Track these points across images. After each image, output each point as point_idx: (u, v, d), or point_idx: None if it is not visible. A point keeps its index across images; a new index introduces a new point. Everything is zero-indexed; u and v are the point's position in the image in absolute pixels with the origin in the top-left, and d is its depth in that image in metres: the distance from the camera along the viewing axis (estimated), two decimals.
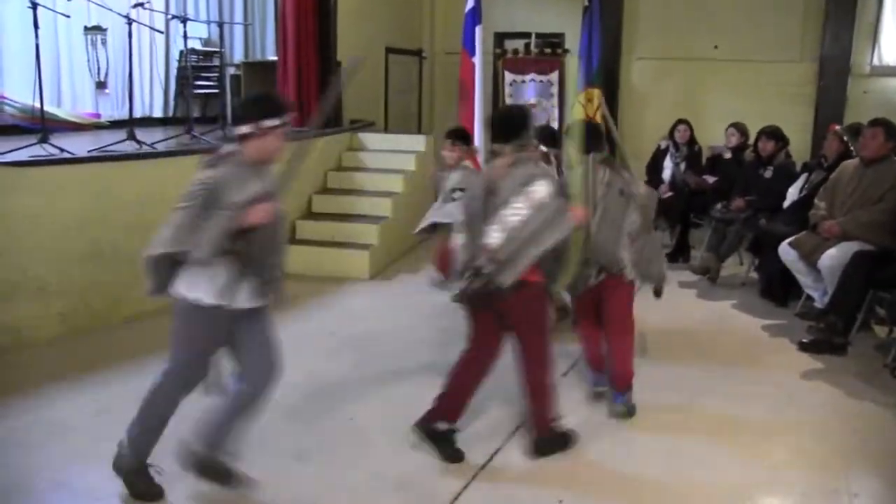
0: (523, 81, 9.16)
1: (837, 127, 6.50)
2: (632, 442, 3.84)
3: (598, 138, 4.05)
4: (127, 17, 6.16)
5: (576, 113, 8.83)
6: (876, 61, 8.65)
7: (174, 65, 8.53)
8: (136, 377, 4.33)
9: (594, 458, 3.67)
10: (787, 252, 5.64)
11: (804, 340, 5.18)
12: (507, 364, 3.63)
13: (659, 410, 4.20)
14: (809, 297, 5.72)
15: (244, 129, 3.00)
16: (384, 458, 3.62)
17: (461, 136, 5.12)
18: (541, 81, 9.10)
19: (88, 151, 5.41)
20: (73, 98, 7.54)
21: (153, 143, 5.87)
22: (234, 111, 3.21)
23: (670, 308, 5.96)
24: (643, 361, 4.46)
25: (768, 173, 6.67)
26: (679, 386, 4.63)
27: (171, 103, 8.55)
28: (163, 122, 8.27)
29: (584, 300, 4.14)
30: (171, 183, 5.49)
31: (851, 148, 6.01)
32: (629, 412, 4.06)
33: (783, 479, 3.53)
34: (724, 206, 6.89)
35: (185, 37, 6.68)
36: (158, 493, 3.21)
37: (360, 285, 6.52)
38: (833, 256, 5.25)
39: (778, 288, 6.09)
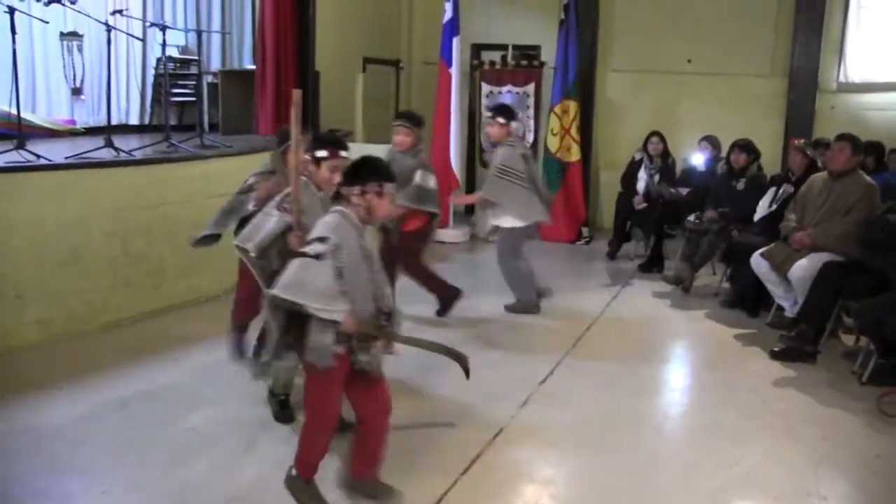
0: (500, 93, 9.27)
1: (797, 141, 6.62)
2: (607, 447, 3.89)
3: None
4: (106, 23, 6.14)
5: (552, 125, 8.98)
6: (842, 78, 8.84)
7: (151, 72, 8.50)
8: (115, 385, 4.36)
9: (568, 463, 3.72)
10: (758, 262, 5.76)
11: (776, 349, 5.29)
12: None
13: (634, 417, 4.27)
14: (780, 307, 5.85)
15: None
16: None
17: (409, 118, 5.30)
18: (517, 93, 9.21)
19: (66, 158, 5.37)
20: (48, 104, 7.47)
21: (131, 151, 5.85)
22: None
23: (645, 317, 6.08)
24: (615, 368, 4.51)
25: (741, 185, 6.80)
26: (654, 393, 4.74)
27: (148, 111, 8.50)
28: (139, 129, 8.21)
29: None
30: (150, 190, 5.53)
31: (817, 160, 6.17)
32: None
33: (757, 482, 3.60)
34: (697, 217, 7.00)
35: (164, 44, 6.66)
36: None
37: None
38: (803, 267, 5.38)
39: (750, 298, 6.20)
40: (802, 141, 6.63)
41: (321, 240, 2.96)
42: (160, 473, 3.45)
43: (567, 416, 4.22)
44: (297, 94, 3.28)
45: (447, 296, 5.67)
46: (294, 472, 3.20)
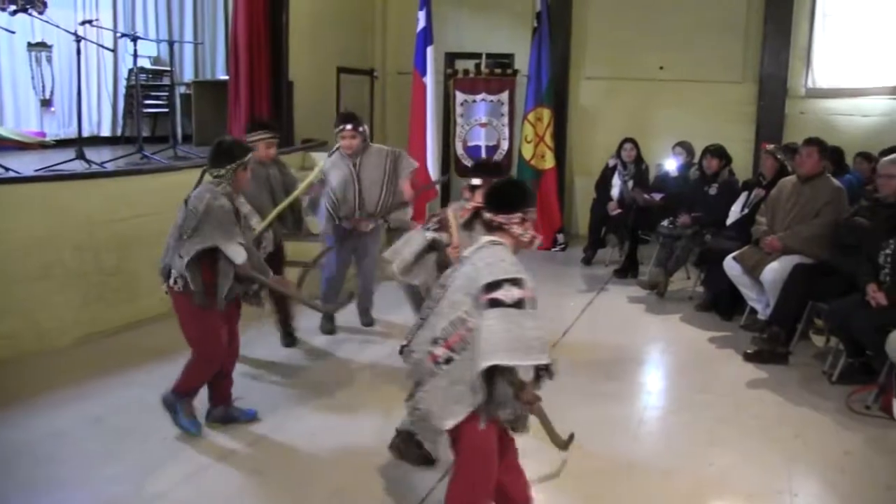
0: (474, 101, 9.28)
1: (769, 146, 6.72)
2: (584, 451, 3.89)
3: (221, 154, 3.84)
4: (75, 34, 6.09)
5: (526, 133, 9.03)
6: (810, 84, 8.98)
7: (123, 83, 8.44)
8: (87, 400, 4.31)
9: (546, 468, 3.73)
10: (731, 266, 5.84)
11: (749, 351, 5.36)
12: None
13: (610, 421, 4.30)
14: (753, 310, 5.92)
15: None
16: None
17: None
18: (491, 101, 9.23)
19: (36, 170, 5.33)
20: (16, 116, 7.41)
21: (103, 163, 5.81)
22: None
23: (620, 322, 6.12)
24: (591, 373, 4.54)
25: (713, 190, 6.88)
26: (630, 396, 4.77)
27: (120, 122, 8.44)
28: (111, 141, 8.16)
29: None
30: (123, 203, 5.49)
31: (787, 165, 6.25)
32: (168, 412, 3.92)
33: (731, 482, 3.65)
34: (671, 222, 7.08)
35: (136, 55, 6.62)
36: None
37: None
38: (775, 270, 5.46)
39: (724, 301, 6.27)
40: (773, 145, 6.72)
41: (515, 282, 2.62)
42: (134, 487, 3.43)
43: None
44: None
45: None
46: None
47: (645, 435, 4.23)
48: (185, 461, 3.67)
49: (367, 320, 5.83)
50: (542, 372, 2.74)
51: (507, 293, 2.57)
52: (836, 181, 5.68)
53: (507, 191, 2.89)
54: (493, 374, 2.60)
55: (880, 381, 4.48)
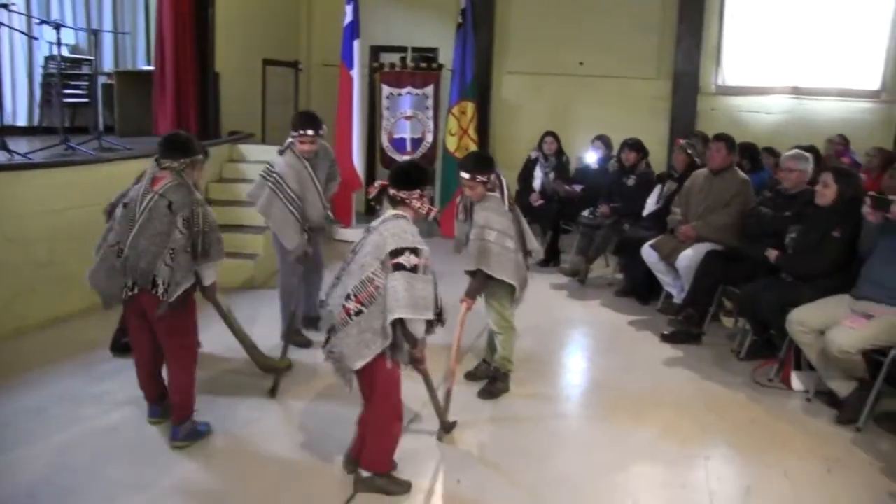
0: (400, 94, 9.41)
1: (682, 141, 7.10)
2: (515, 428, 4.15)
3: (177, 146, 3.74)
4: None
5: (450, 125, 9.23)
6: (720, 81, 9.49)
7: (39, 72, 8.22)
8: (28, 391, 4.30)
9: (470, 446, 3.95)
10: (648, 253, 6.18)
11: (665, 332, 5.73)
12: None
13: (534, 400, 4.55)
14: (669, 295, 6.28)
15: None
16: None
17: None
18: (417, 94, 9.38)
19: None
20: None
21: (27, 154, 5.70)
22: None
23: (543, 308, 6.39)
24: (517, 356, 4.76)
25: (631, 181, 7.23)
26: (554, 376, 5.05)
27: (37, 112, 8.22)
28: (28, 131, 7.94)
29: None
30: (52, 195, 5.42)
31: (696, 159, 6.64)
32: (189, 443, 3.80)
33: (652, 451, 3.95)
34: (591, 212, 7.40)
35: (60, 43, 6.47)
36: None
37: (246, 295, 6.54)
38: (689, 256, 5.82)
39: (642, 287, 6.62)
40: (685, 141, 7.10)
41: (414, 251, 3.17)
42: (88, 474, 3.47)
43: (468, 401, 4.43)
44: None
45: None
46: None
47: (569, 412, 4.51)
48: (137, 449, 3.74)
49: (306, 340, 5.26)
50: (430, 325, 3.35)
51: (408, 259, 3.14)
52: (742, 174, 6.08)
53: (408, 171, 3.43)
54: (394, 324, 3.16)
55: (780, 356, 4.91)
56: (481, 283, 4.30)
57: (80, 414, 4.06)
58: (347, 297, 3.18)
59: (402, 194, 3.31)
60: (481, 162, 4.38)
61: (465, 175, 4.29)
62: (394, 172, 3.42)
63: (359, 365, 3.17)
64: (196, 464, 3.63)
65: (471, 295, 4.29)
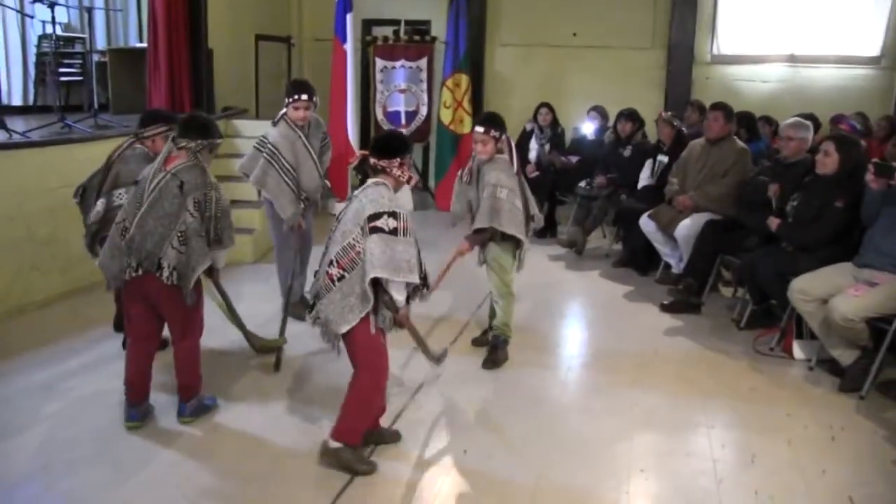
0: (394, 67, 9.37)
1: (665, 113, 7.07)
2: (519, 398, 4.19)
3: (197, 127, 3.68)
4: None
5: (444, 98, 9.20)
6: (715, 50, 9.46)
7: (33, 51, 8.16)
8: (33, 368, 4.34)
9: (479, 414, 4.00)
10: (646, 224, 6.21)
11: (665, 302, 5.76)
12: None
13: (538, 370, 4.59)
14: (667, 265, 6.32)
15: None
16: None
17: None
18: (410, 67, 9.34)
19: None
20: None
21: (25, 132, 5.68)
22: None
23: (542, 280, 6.42)
24: (518, 327, 4.79)
25: (627, 152, 7.24)
26: (555, 347, 5.09)
27: (31, 91, 8.17)
28: (23, 110, 7.90)
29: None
30: (51, 173, 5.41)
31: (682, 130, 6.63)
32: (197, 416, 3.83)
33: (655, 419, 4.00)
34: (587, 183, 7.42)
35: (54, 22, 6.41)
36: None
37: (245, 269, 6.55)
38: (687, 226, 5.85)
39: (640, 257, 6.66)
40: (669, 113, 7.08)
41: (392, 215, 3.20)
42: (97, 447, 3.52)
43: (474, 372, 4.50)
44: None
45: None
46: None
47: (572, 381, 4.55)
48: (149, 421, 3.77)
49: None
50: (416, 290, 3.40)
51: (386, 222, 3.18)
52: (740, 143, 6.10)
53: (389, 140, 3.48)
54: (376, 288, 3.21)
55: (782, 325, 4.95)
56: (486, 236, 4.41)
57: (86, 390, 4.10)
58: (331, 264, 3.26)
59: (383, 163, 3.34)
60: (496, 119, 4.49)
61: (479, 129, 4.41)
62: (374, 141, 3.51)
63: (343, 329, 3.22)
64: (201, 436, 3.67)
65: (471, 241, 4.42)
